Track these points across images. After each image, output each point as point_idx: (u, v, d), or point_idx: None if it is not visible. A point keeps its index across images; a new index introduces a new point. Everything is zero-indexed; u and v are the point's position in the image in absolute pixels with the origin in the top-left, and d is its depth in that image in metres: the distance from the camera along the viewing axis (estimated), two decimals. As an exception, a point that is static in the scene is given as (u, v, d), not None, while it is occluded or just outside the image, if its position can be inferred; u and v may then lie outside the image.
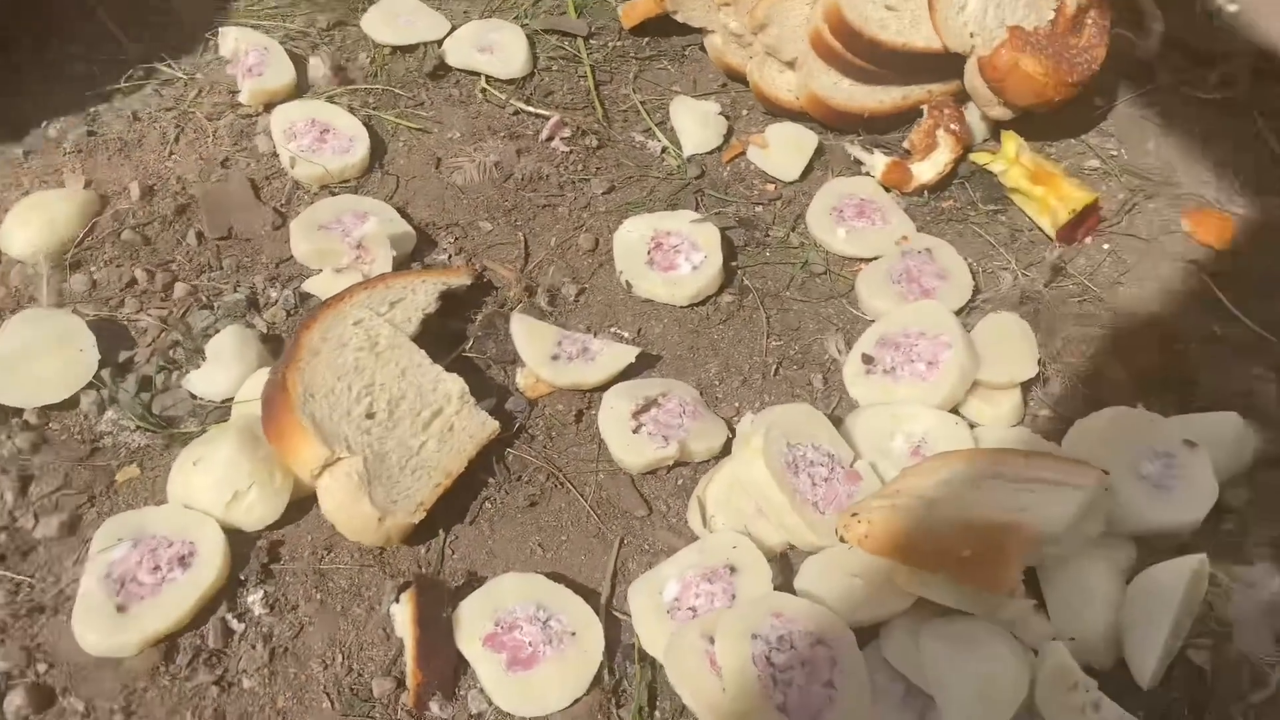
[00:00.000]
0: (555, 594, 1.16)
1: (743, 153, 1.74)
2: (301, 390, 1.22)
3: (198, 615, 1.14)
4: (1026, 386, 1.40)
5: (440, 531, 1.24)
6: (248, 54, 1.73)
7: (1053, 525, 1.08)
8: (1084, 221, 1.61)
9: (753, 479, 1.22)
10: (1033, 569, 1.16)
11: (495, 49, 1.83)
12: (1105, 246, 1.63)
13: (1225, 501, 1.30)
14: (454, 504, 1.26)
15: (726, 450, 1.33)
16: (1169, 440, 1.27)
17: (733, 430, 1.35)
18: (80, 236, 1.49)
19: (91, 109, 1.69)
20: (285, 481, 1.22)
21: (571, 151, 1.71)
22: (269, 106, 1.69)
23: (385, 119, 1.73)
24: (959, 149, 1.67)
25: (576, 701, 1.10)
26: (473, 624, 1.13)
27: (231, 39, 1.75)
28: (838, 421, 1.35)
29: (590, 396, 1.38)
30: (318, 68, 1.73)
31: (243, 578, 1.18)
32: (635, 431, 1.31)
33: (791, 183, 1.71)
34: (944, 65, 1.71)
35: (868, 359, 1.40)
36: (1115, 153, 1.80)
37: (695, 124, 1.75)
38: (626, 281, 1.52)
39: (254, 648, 1.13)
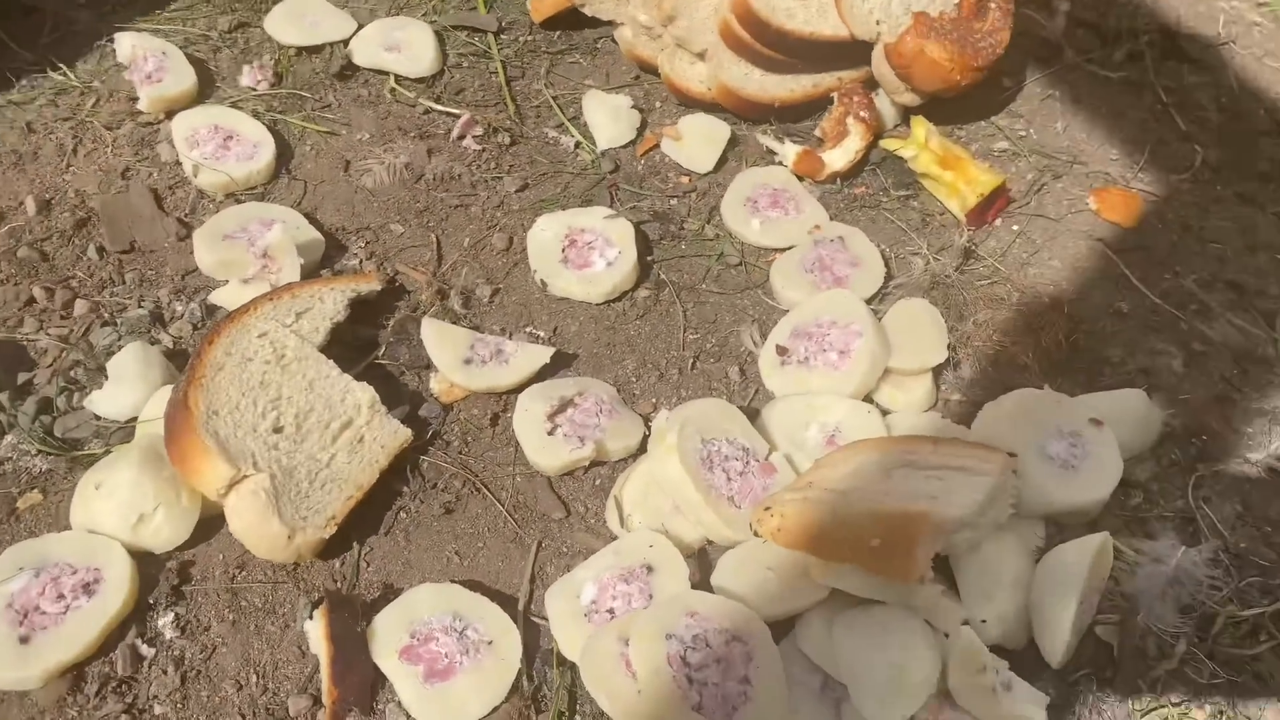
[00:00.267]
0: (471, 603, 1.15)
1: (656, 146, 1.74)
2: (204, 408, 1.19)
3: (105, 643, 1.12)
4: (938, 371, 1.42)
5: (355, 544, 1.23)
6: (146, 60, 1.69)
7: (960, 512, 1.10)
8: (993, 204, 1.63)
9: (668, 476, 1.22)
10: (945, 555, 1.17)
11: (403, 47, 1.80)
12: (1015, 228, 1.65)
13: (1133, 476, 1.33)
14: (368, 515, 1.25)
15: (644, 448, 1.33)
16: (1075, 420, 1.30)
17: (650, 427, 1.35)
18: (-27, 255, 1.45)
19: (-17, 121, 1.64)
20: (193, 501, 1.19)
21: (484, 150, 1.70)
22: (170, 114, 1.65)
23: (291, 123, 1.70)
24: (869, 136, 1.68)
25: (495, 709, 1.10)
26: (388, 637, 1.12)
27: (128, 45, 1.70)
28: (755, 414, 1.35)
29: (506, 399, 1.38)
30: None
31: (152, 601, 1.16)
32: (551, 433, 1.30)
33: (706, 174, 1.71)
34: (852, 53, 1.72)
35: (782, 350, 1.40)
36: (1024, 133, 1.82)
37: (608, 118, 1.74)
38: (541, 280, 1.51)
39: (165, 672, 1.11)
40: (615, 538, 1.24)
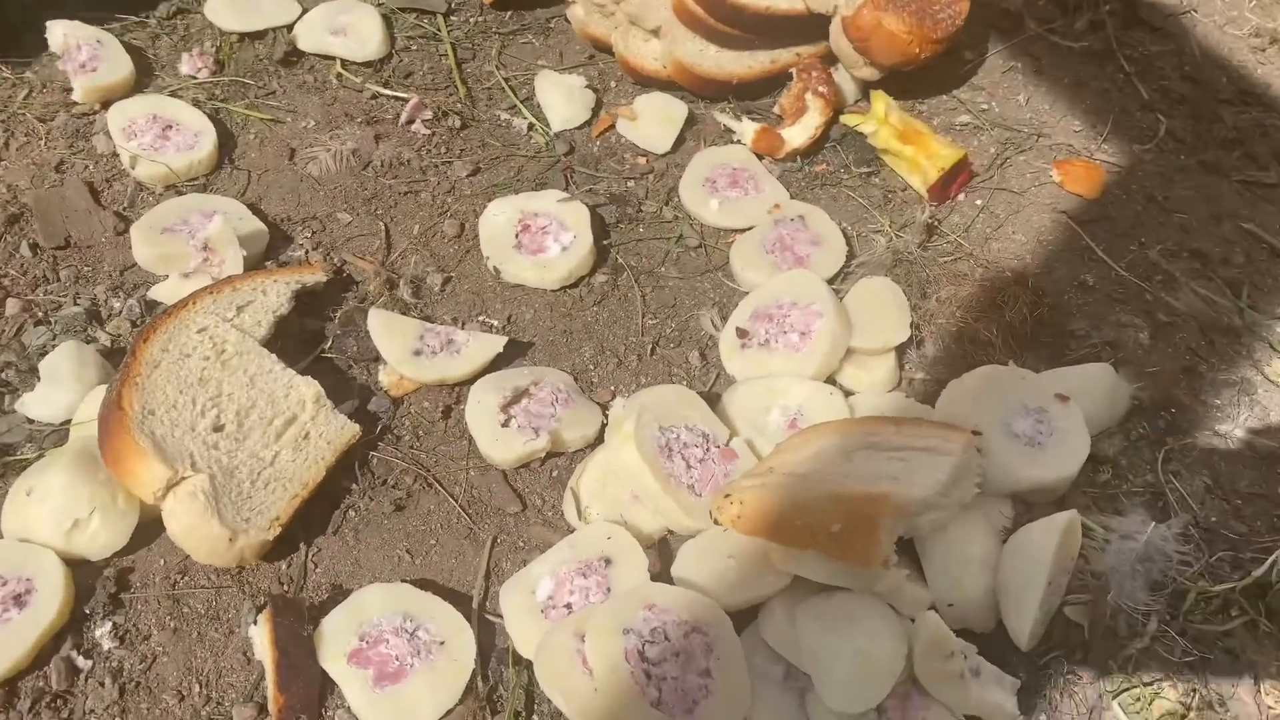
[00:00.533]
0: (423, 602, 1.11)
1: (612, 126, 1.69)
2: (139, 408, 1.14)
3: (39, 656, 1.08)
4: (901, 350, 1.39)
5: (302, 545, 1.19)
6: (79, 48, 1.63)
7: (923, 492, 1.07)
8: (955, 178, 1.60)
9: (625, 465, 1.18)
10: (907, 539, 1.14)
11: (349, 31, 1.75)
12: (978, 202, 1.62)
13: (1101, 451, 1.31)
14: (315, 515, 1.21)
15: (602, 437, 1.29)
16: (1041, 396, 1.27)
17: (608, 416, 1.31)
18: (-101, 255, 1.39)
19: (-91, 116, 1.58)
20: (130, 504, 1.15)
21: (433, 134, 1.65)
22: (106, 104, 1.60)
23: (234, 111, 1.64)
24: (829, 111, 1.65)
25: (449, 712, 1.06)
26: (336, 641, 1.08)
27: (60, 33, 1.63)
28: (716, 399, 1.32)
29: (458, 391, 1.33)
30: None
31: (88, 611, 1.11)
32: (505, 425, 1.26)
33: (663, 155, 1.67)
34: (810, 27, 1.68)
35: (742, 333, 1.37)
36: (986, 106, 1.79)
37: (561, 99, 1.70)
38: (494, 267, 1.47)
39: (102, 685, 1.07)
40: (573, 530, 1.20)
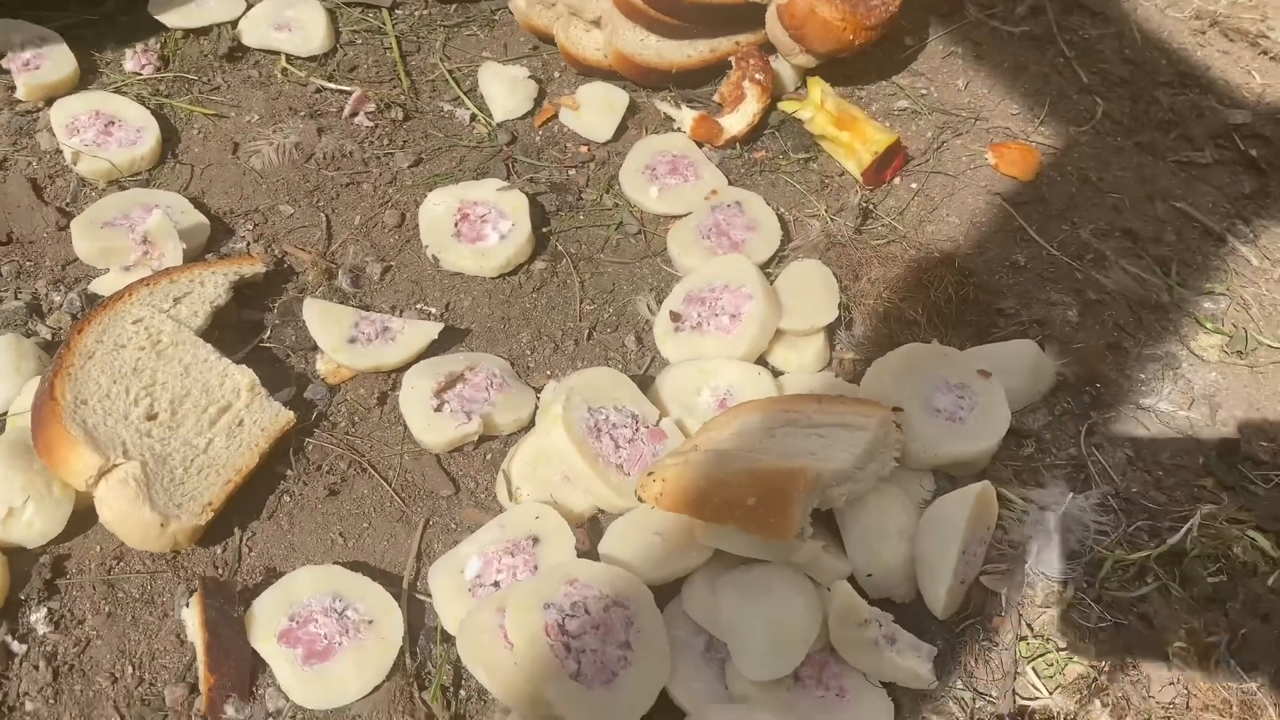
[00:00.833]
0: (352, 583, 1.13)
1: (555, 116, 1.72)
2: (71, 397, 1.16)
3: (-27, 642, 1.09)
4: (831, 331, 1.41)
5: (236, 530, 1.21)
6: (23, 47, 1.64)
7: (838, 466, 1.09)
8: (890, 162, 1.62)
9: (555, 446, 1.20)
10: (830, 510, 1.17)
11: (294, 26, 1.76)
12: (913, 186, 1.65)
13: (1025, 426, 1.34)
14: (250, 500, 1.23)
15: (535, 421, 1.31)
16: (963, 372, 1.29)
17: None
18: None
19: None
20: (65, 493, 1.16)
21: (376, 126, 1.67)
22: (50, 101, 1.61)
23: (178, 106, 1.66)
24: (766, 99, 1.67)
25: (377, 689, 1.08)
26: (267, 621, 1.10)
27: (2, 30, 1.65)
28: (650, 381, 1.34)
29: (394, 378, 1.35)
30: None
31: (23, 597, 1.13)
32: (437, 409, 1.28)
33: (605, 143, 1.69)
34: (747, 16, 1.71)
35: (675, 316, 1.39)
36: (925, 91, 1.81)
37: (504, 90, 1.72)
38: (433, 256, 1.49)
39: (36, 668, 1.09)
40: (504, 512, 1.22)
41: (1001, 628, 1.15)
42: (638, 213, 1.59)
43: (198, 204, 1.51)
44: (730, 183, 1.62)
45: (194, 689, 1.08)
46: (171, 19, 1.75)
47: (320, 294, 1.42)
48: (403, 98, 1.71)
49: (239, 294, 1.40)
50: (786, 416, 1.19)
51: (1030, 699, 1.12)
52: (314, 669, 1.08)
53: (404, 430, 1.30)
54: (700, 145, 1.67)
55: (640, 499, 1.16)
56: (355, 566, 1.16)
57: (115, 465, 1.13)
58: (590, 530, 1.21)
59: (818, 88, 1.67)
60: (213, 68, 1.73)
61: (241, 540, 1.20)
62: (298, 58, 1.75)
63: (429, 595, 1.16)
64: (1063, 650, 1.14)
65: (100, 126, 1.56)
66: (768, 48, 1.75)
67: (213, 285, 1.35)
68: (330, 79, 1.73)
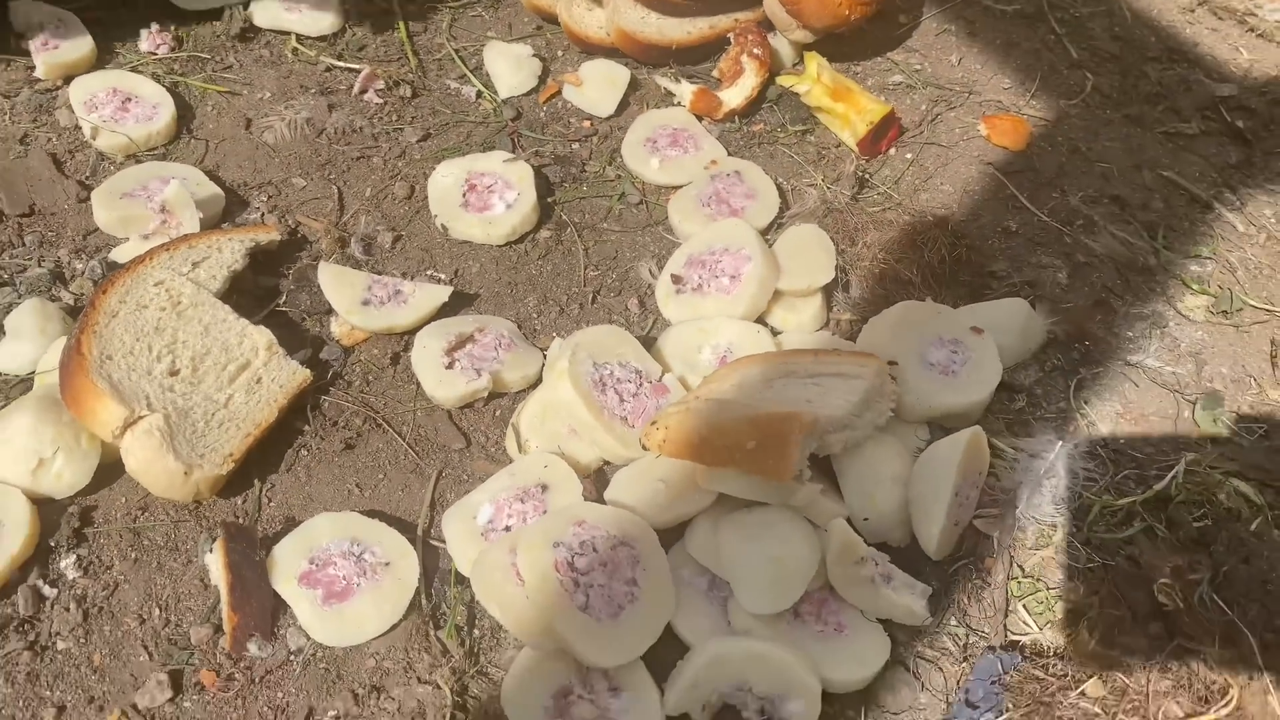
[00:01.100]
0: (369, 528, 1.18)
1: (558, 92, 1.76)
2: (97, 353, 1.21)
3: (6, 585, 1.14)
4: (828, 292, 1.46)
5: (256, 481, 1.25)
6: (42, 27, 1.69)
7: (834, 412, 1.14)
8: (885, 133, 1.67)
9: (561, 399, 1.25)
10: (828, 459, 1.21)
11: (304, 7, 1.81)
12: (908, 156, 1.69)
13: (1017, 381, 1.38)
14: (270, 454, 1.27)
15: (543, 379, 1.36)
16: (956, 328, 1.34)
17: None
18: None
19: (-122, 95, 1.63)
20: (92, 445, 1.21)
21: (385, 103, 1.71)
22: (68, 79, 1.66)
23: (192, 84, 1.71)
24: (764, 73, 1.72)
25: (394, 627, 1.13)
26: (287, 564, 1.15)
27: (22, 12, 1.70)
28: (653, 342, 1.39)
29: (406, 339, 1.40)
30: None
31: (54, 544, 1.18)
32: (449, 367, 1.33)
33: (607, 118, 1.74)
34: (746, -8, 1.76)
35: (676, 279, 1.44)
36: (919, 67, 1.86)
37: (509, 67, 1.76)
38: (442, 225, 1.54)
39: (67, 610, 1.13)
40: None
41: (993, 568, 1.20)
42: (639, 184, 1.64)
43: (213, 177, 1.56)
44: (729, 154, 1.66)
45: (218, 629, 1.13)
46: (187, 1, 1.80)
47: (334, 261, 1.47)
48: (410, 76, 1.76)
49: (255, 261, 1.44)
50: (785, 368, 1.23)
51: (1021, 634, 1.16)
52: (333, 608, 1.12)
53: (416, 388, 1.35)
54: (700, 119, 1.71)
55: (644, 447, 1.20)
56: (371, 515, 1.21)
57: (140, 417, 1.18)
58: (596, 482, 1.26)
59: (814, 62, 1.71)
60: (225, 47, 1.78)
61: (261, 491, 1.25)
62: (308, 37, 1.80)
63: (442, 542, 1.20)
64: (1052, 589, 1.19)
65: (118, 103, 1.61)
66: (766, 24, 1.79)
67: (230, 251, 1.40)
68: (339, 58, 1.77)
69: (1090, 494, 1.26)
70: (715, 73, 1.78)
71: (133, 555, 1.18)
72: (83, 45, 1.69)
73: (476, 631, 1.15)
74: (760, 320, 1.41)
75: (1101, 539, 1.22)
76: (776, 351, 1.30)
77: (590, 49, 1.82)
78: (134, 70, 1.70)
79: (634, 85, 1.78)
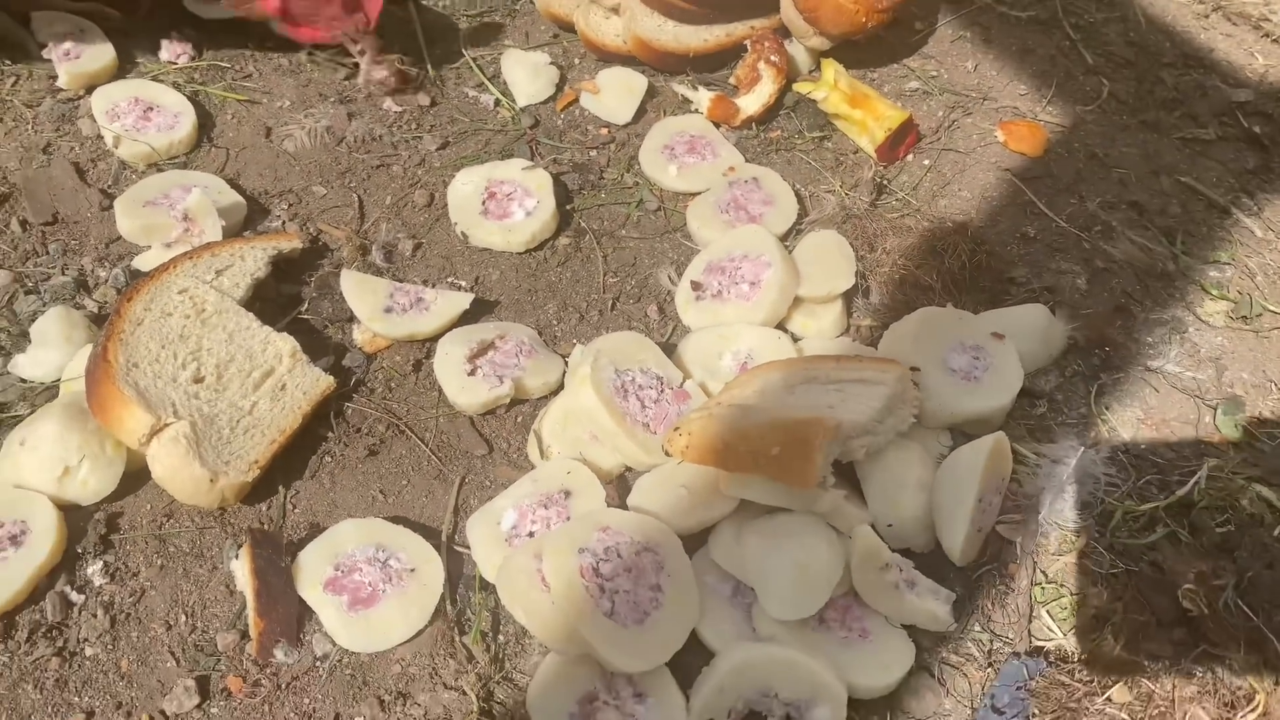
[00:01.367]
0: (394, 534, 1.19)
1: (575, 100, 1.77)
2: (123, 361, 1.22)
3: (34, 592, 1.14)
4: (848, 298, 1.46)
5: (280, 488, 1.26)
6: (64, 38, 1.70)
7: (857, 418, 1.14)
8: (903, 140, 1.67)
9: (583, 406, 1.25)
10: (851, 466, 1.22)
11: (322, 16, 1.81)
12: (926, 162, 1.70)
13: (1037, 387, 1.38)
14: (294, 461, 1.28)
15: (564, 385, 1.36)
16: (977, 334, 1.34)
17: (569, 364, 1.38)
18: (-105, 233, 1.46)
19: (-97, 105, 1.65)
20: (118, 452, 1.22)
21: (404, 111, 1.72)
22: (90, 89, 1.67)
23: (212, 93, 1.72)
24: (781, 80, 1.72)
25: (419, 633, 1.13)
26: (313, 571, 1.15)
27: (45, 22, 1.71)
28: (672, 349, 1.39)
29: (428, 346, 1.41)
30: None
31: (81, 550, 1.19)
32: (471, 374, 1.33)
33: (625, 125, 1.75)
34: (762, 1, 1.76)
35: (696, 285, 1.44)
36: (935, 74, 1.86)
37: (527, 76, 1.77)
38: (462, 233, 1.54)
39: (95, 616, 1.14)
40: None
41: (1017, 574, 1.20)
42: (657, 190, 1.65)
43: (234, 185, 1.57)
44: (747, 161, 1.67)
45: (244, 635, 1.13)
46: (207, 11, 1.81)
47: (355, 269, 1.47)
48: (429, 84, 1.77)
49: (277, 269, 1.45)
50: (806, 374, 1.24)
51: (1046, 640, 1.16)
52: (359, 614, 1.13)
53: (439, 395, 1.35)
54: (717, 126, 1.72)
55: (667, 453, 1.21)
56: (395, 521, 1.21)
57: (166, 424, 1.18)
58: (619, 488, 1.26)
59: (831, 68, 1.72)
60: (245, 57, 1.79)
61: (286, 498, 1.25)
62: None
63: (466, 547, 1.21)
64: (1076, 594, 1.19)
65: (139, 112, 1.62)
66: (782, 31, 1.80)
67: (253, 259, 1.41)
68: (357, 69, 1.78)
69: (1112, 499, 1.26)
70: (732, 80, 1.79)
71: (159, 562, 1.19)
72: (104, 55, 1.71)
73: (501, 637, 1.15)
74: (780, 326, 1.41)
75: (1124, 544, 1.22)
76: (798, 357, 1.31)
77: (607, 57, 1.82)
78: (155, 79, 1.71)
79: (651, 93, 1.79)
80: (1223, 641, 1.11)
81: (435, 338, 1.40)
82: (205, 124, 1.67)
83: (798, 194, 1.61)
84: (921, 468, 1.21)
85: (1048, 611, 1.18)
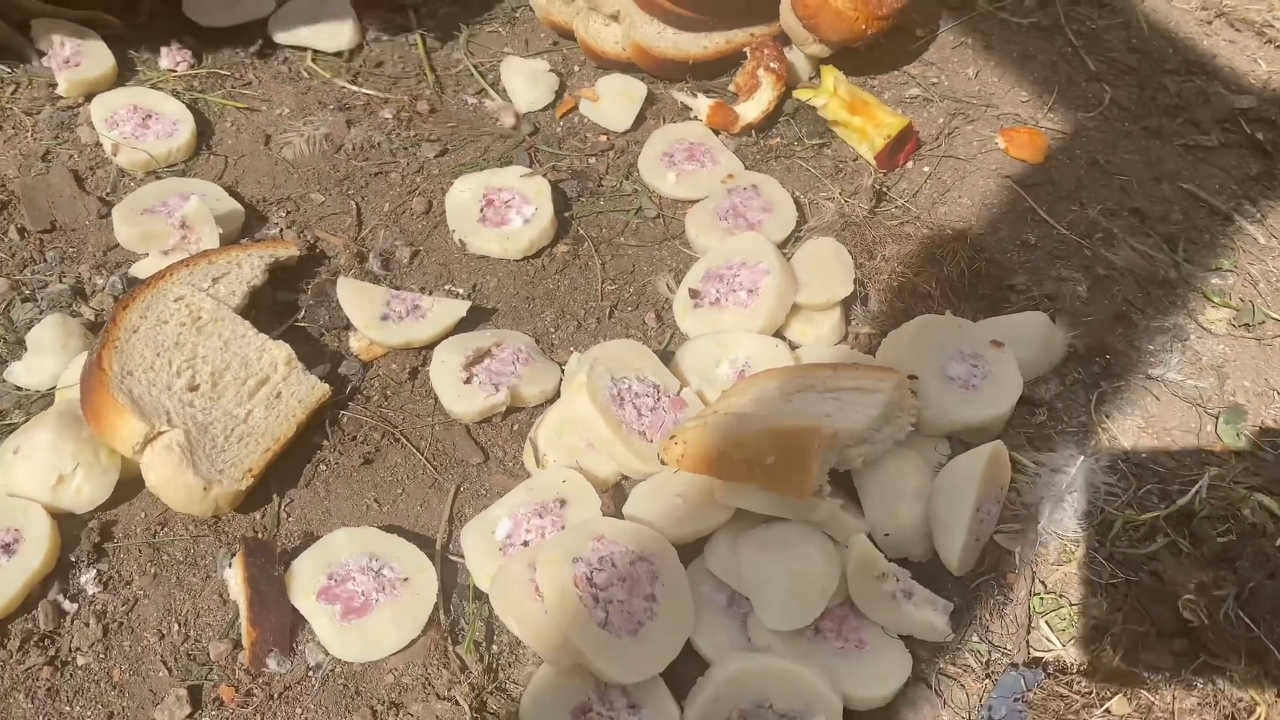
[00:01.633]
0: (387, 543, 1.18)
1: (575, 107, 1.77)
2: (118, 368, 1.22)
3: (27, 600, 1.14)
4: (847, 305, 1.45)
5: (275, 496, 1.25)
6: (63, 45, 1.70)
7: (854, 426, 1.13)
8: (902, 147, 1.67)
9: (579, 414, 1.25)
10: (848, 474, 1.21)
11: (322, 24, 1.82)
12: (926, 169, 1.69)
13: (1037, 395, 1.37)
14: (288, 469, 1.27)
15: (560, 393, 1.36)
16: (976, 342, 1.33)
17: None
18: (-107, 240, 1.46)
19: (-98, 113, 1.65)
20: (112, 460, 1.21)
21: (404, 118, 1.72)
22: (89, 97, 1.67)
23: (211, 101, 1.72)
24: (780, 87, 1.72)
25: (412, 643, 1.13)
26: (306, 580, 1.15)
27: (45, 32, 1.71)
28: (670, 356, 1.38)
29: (424, 354, 1.40)
30: None
31: (74, 559, 1.18)
32: (467, 382, 1.33)
33: (624, 133, 1.74)
34: (762, 7, 1.76)
35: (694, 293, 1.44)
36: (936, 80, 1.86)
37: (526, 83, 1.77)
38: (460, 240, 1.54)
39: (87, 625, 1.14)
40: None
41: (1015, 584, 1.19)
42: (656, 198, 1.64)
43: (232, 192, 1.57)
44: (746, 168, 1.66)
45: (237, 644, 1.13)
46: (205, 19, 1.81)
47: (352, 276, 1.47)
48: (428, 91, 1.77)
49: (274, 276, 1.45)
50: (803, 382, 1.23)
51: (1044, 651, 1.15)
52: (352, 624, 1.12)
53: (434, 403, 1.35)
54: (716, 133, 1.72)
55: (663, 462, 1.20)
56: (390, 530, 1.21)
57: (160, 432, 1.18)
58: (615, 496, 1.25)
59: (831, 75, 1.71)
60: (244, 64, 1.79)
61: (280, 506, 1.25)
62: (325, 54, 1.81)
63: (461, 556, 1.20)
64: (1075, 605, 1.18)
65: (138, 120, 1.62)
66: (782, 39, 1.79)
67: (249, 267, 1.41)
68: (357, 75, 1.78)
69: (1112, 509, 1.25)
70: (732, 87, 1.78)
71: (152, 570, 1.19)
72: (104, 63, 1.71)
73: (495, 647, 1.15)
74: (779, 334, 1.41)
75: (1124, 554, 1.21)
76: (795, 366, 1.30)
77: (606, 64, 1.82)
78: (154, 87, 1.71)
79: (650, 100, 1.78)
80: (1223, 653, 1.10)
81: (432, 345, 1.39)
82: (204, 131, 1.67)
83: (797, 201, 1.60)
84: (919, 476, 1.20)
85: (1046, 622, 1.17)
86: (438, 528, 1.24)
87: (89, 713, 1.08)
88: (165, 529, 1.22)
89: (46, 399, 1.31)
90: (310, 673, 1.11)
